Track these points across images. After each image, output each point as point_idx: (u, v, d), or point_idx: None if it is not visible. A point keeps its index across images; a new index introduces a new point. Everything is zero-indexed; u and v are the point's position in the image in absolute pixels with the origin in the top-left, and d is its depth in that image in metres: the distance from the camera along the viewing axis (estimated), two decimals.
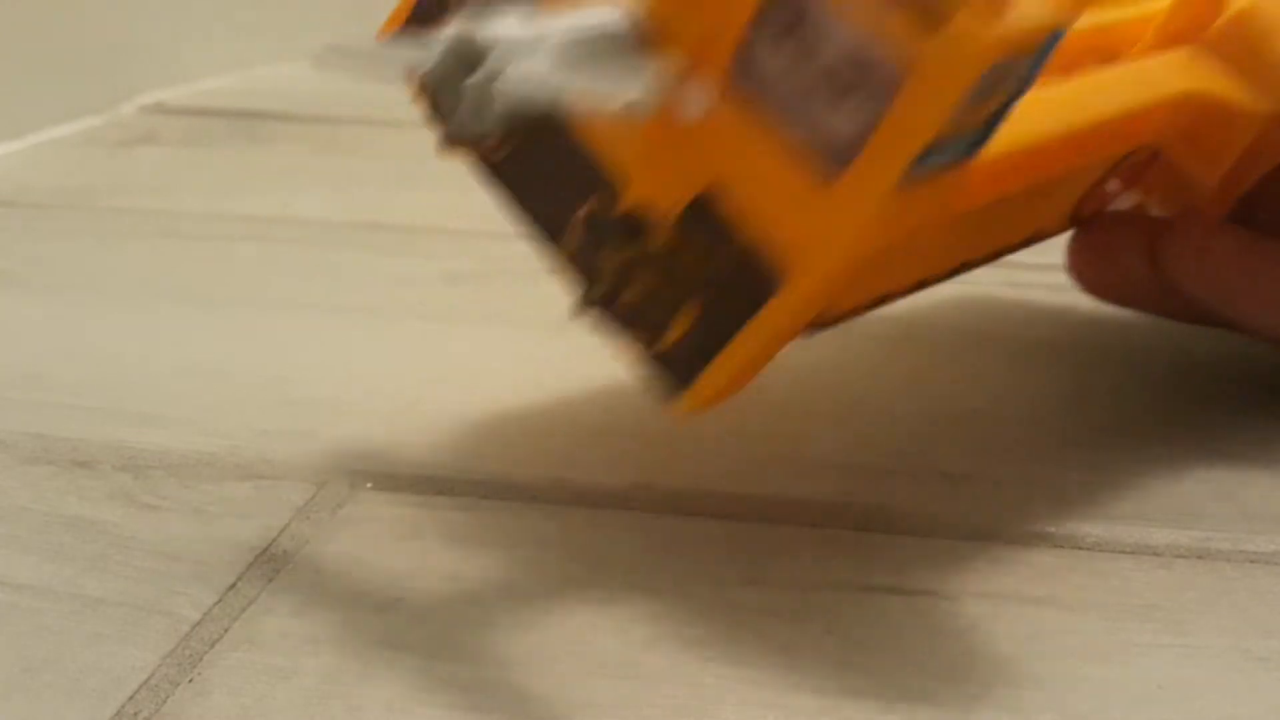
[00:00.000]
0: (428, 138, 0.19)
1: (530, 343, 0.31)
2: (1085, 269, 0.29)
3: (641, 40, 0.19)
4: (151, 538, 0.23)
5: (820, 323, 0.23)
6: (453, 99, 0.17)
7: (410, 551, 0.23)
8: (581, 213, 0.21)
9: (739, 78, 0.19)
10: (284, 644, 0.20)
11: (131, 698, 0.19)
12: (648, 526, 0.24)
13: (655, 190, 0.20)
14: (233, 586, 0.22)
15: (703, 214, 0.20)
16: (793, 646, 0.20)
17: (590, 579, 0.22)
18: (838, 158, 0.18)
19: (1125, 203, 0.29)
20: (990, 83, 0.18)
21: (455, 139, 0.17)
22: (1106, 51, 0.27)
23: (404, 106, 0.22)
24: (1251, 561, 0.23)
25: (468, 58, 0.17)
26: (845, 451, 0.26)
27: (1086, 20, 0.26)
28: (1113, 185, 0.28)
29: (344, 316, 0.33)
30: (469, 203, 0.26)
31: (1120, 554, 0.23)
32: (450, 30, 0.17)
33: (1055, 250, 0.29)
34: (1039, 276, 0.33)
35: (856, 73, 0.18)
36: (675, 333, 0.20)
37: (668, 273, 0.20)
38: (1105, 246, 0.28)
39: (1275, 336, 0.27)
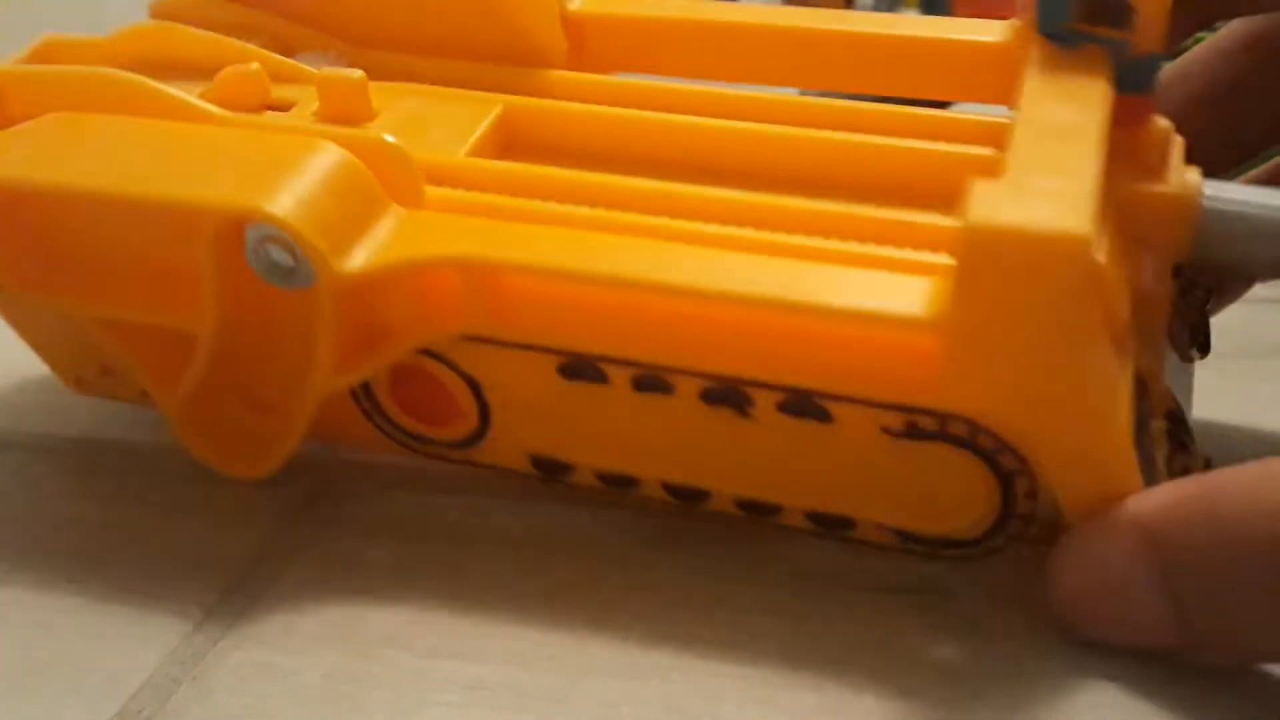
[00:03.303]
0: None
1: None
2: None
3: None
4: (153, 537, 0.23)
5: None
6: None
7: (413, 551, 0.23)
8: None
9: None
10: (286, 643, 0.20)
11: (134, 696, 0.19)
12: (648, 525, 0.24)
13: None
14: (235, 585, 0.22)
15: None
16: (793, 646, 0.20)
17: (590, 579, 0.22)
18: None
19: None
20: None
21: None
22: None
23: None
24: None
25: None
26: None
27: None
28: None
29: None
30: None
31: None
32: None
33: None
34: None
35: None
36: None
37: None
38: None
39: None
